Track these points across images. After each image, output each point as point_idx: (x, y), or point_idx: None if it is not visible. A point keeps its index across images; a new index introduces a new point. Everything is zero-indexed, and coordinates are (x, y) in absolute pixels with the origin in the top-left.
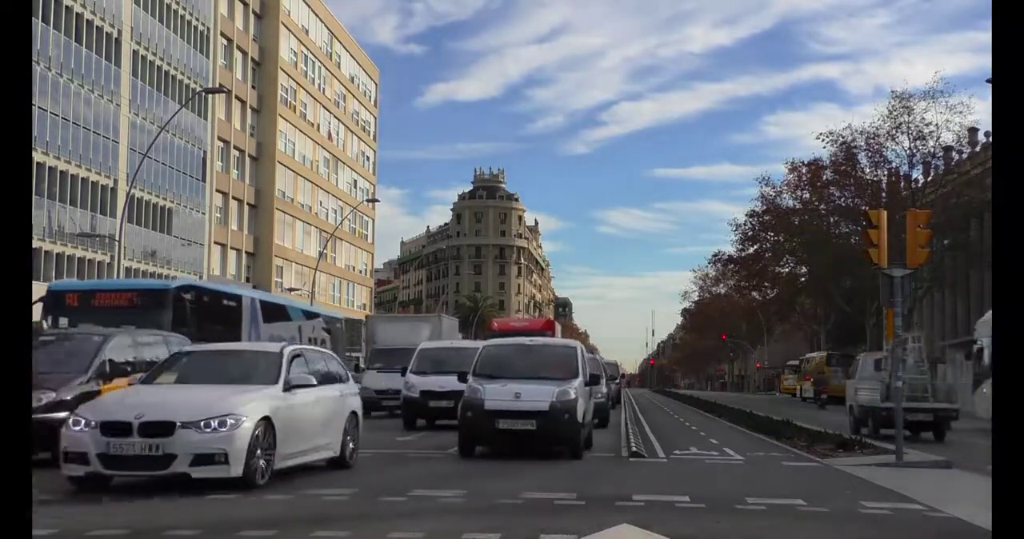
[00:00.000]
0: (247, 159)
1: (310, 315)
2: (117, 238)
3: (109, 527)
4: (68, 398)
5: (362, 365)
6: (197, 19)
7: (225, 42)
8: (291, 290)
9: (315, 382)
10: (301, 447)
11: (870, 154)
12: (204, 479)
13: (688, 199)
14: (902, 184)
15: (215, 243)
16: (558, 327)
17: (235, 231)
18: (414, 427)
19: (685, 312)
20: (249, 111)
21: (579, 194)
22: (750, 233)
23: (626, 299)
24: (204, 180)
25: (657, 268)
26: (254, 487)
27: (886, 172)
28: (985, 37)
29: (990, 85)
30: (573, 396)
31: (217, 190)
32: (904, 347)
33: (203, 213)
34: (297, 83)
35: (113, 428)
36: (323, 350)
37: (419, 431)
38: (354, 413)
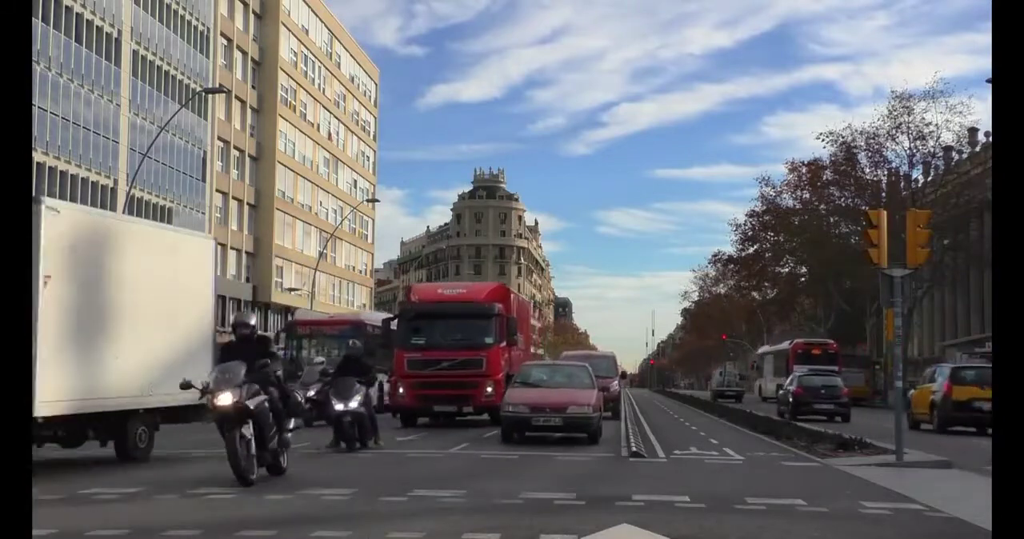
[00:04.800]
0: (247, 159)
1: None
2: None
3: (109, 527)
4: None
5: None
6: (197, 19)
7: (225, 42)
8: (291, 290)
9: None
10: None
11: (870, 154)
12: None
13: (688, 199)
14: (902, 184)
15: (215, 243)
16: (513, 298)
17: (235, 231)
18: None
19: (685, 312)
20: (249, 111)
21: (579, 194)
22: (750, 233)
23: (626, 299)
24: (204, 180)
25: (657, 268)
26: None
27: (886, 172)
28: (984, 39)
29: (990, 85)
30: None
31: (217, 190)
32: (727, 370)
33: (203, 213)
34: (297, 83)
35: None
36: None
37: (420, 430)
38: None
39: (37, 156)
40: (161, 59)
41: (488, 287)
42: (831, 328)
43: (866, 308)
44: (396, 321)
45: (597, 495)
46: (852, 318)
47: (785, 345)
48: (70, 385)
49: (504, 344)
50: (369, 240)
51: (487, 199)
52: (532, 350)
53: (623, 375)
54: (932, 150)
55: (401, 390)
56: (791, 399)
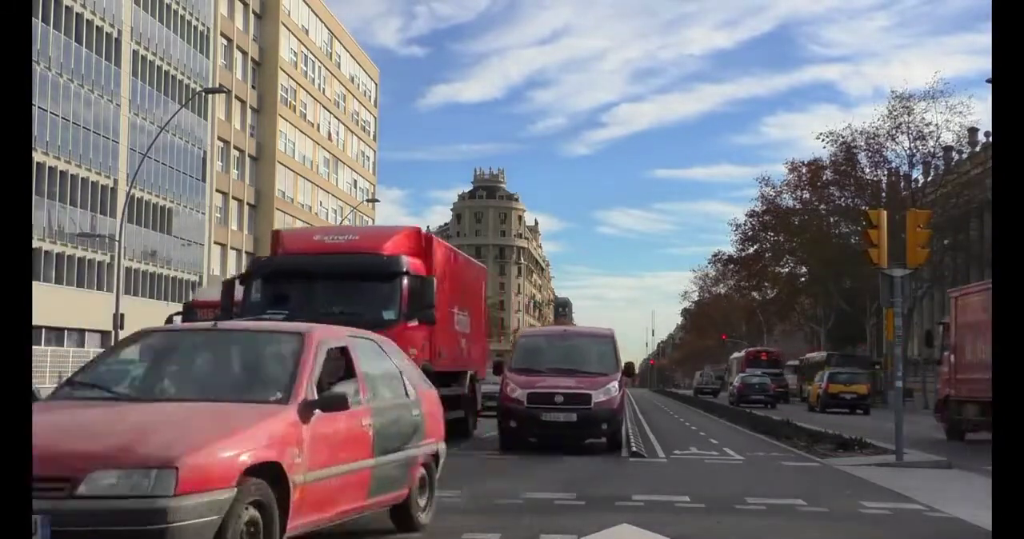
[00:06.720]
0: (247, 159)
1: None
2: (117, 238)
3: None
4: None
5: None
6: (197, 19)
7: (225, 42)
8: None
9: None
10: None
11: (870, 154)
12: None
13: (688, 199)
14: (902, 184)
15: (215, 243)
16: (439, 250)
17: (235, 231)
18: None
19: (685, 312)
20: (249, 111)
21: (579, 194)
22: (750, 233)
23: (626, 299)
24: (204, 180)
25: (657, 268)
26: None
27: (886, 172)
28: (984, 39)
29: (990, 85)
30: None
31: (217, 190)
32: (706, 371)
33: (203, 213)
34: (297, 83)
35: None
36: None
37: None
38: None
39: (37, 156)
40: (161, 59)
41: (394, 231)
42: (831, 328)
43: (866, 308)
44: (243, 283)
45: (597, 495)
46: (852, 318)
47: (742, 353)
48: None
49: (415, 321)
50: None
51: (487, 199)
52: (503, 340)
53: (628, 371)
54: (932, 150)
55: None
56: (736, 392)
